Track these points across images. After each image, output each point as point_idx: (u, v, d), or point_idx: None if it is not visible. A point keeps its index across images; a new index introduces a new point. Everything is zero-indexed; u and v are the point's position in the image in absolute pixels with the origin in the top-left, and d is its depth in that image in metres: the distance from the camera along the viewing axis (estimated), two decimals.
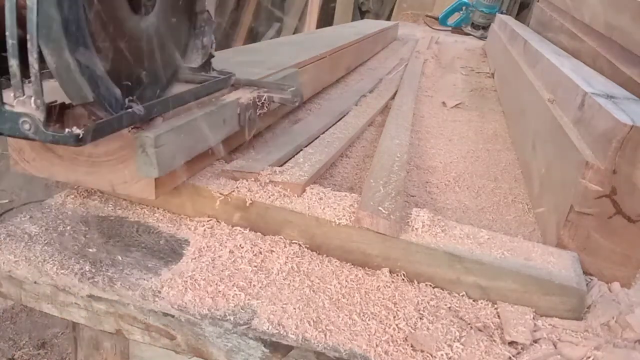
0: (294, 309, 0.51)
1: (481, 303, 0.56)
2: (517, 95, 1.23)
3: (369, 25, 2.17)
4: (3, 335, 2.11)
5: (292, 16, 4.31)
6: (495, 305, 0.55)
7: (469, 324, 0.52)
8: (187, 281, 0.53)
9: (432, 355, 0.48)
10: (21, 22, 0.40)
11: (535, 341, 0.51)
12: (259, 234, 0.62)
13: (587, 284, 0.57)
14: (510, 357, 0.48)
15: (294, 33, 4.12)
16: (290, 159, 0.74)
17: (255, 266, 0.57)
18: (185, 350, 0.52)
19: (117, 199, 0.68)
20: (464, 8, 3.11)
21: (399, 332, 0.50)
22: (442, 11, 3.30)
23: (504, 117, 1.32)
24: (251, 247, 0.60)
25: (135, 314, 0.52)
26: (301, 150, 0.79)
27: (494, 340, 0.50)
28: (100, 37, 0.45)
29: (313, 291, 0.54)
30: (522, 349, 0.50)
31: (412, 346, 0.48)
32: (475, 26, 3.08)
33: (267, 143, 0.82)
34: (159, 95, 0.56)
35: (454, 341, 0.49)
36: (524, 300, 0.55)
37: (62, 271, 0.54)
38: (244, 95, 0.70)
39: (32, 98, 0.43)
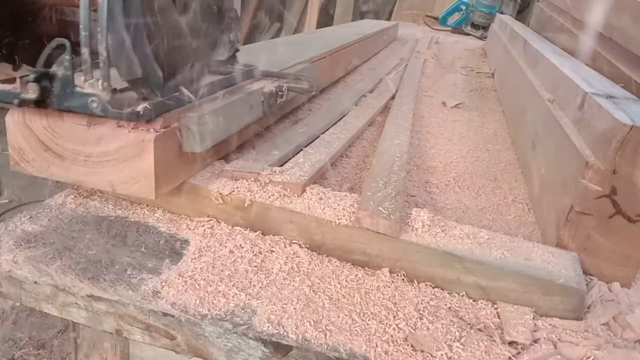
0: (294, 309, 0.51)
1: (481, 303, 0.56)
2: (517, 95, 1.23)
3: (369, 25, 2.17)
4: (3, 335, 2.10)
5: (292, 16, 4.31)
6: (495, 305, 0.55)
7: (469, 324, 0.52)
8: (187, 281, 0.54)
9: (432, 355, 0.48)
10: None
11: (535, 341, 0.51)
12: (259, 234, 0.62)
13: (587, 284, 0.57)
14: (510, 357, 0.48)
15: (293, 33, 4.12)
16: (290, 159, 0.74)
17: (255, 266, 0.57)
18: (185, 350, 0.52)
19: (117, 199, 0.68)
20: (464, 8, 3.11)
21: (399, 332, 0.50)
22: (442, 11, 3.30)
23: (504, 117, 1.32)
24: (251, 247, 0.60)
25: (135, 314, 0.52)
26: (301, 150, 0.79)
27: (494, 340, 0.50)
28: (148, 28, 0.53)
29: (313, 291, 0.54)
30: (522, 349, 0.50)
31: (412, 346, 0.48)
32: (475, 26, 3.08)
33: (267, 143, 0.82)
34: (194, 83, 0.64)
35: (454, 341, 0.49)
36: (524, 300, 0.55)
37: (62, 271, 0.54)
38: (267, 85, 0.77)
39: (100, 81, 0.52)
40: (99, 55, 0.50)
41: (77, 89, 0.53)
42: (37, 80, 0.52)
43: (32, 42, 0.68)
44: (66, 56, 0.52)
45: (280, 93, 0.78)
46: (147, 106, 0.53)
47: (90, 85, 0.52)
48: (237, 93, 0.70)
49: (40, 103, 0.54)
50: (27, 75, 0.53)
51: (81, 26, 0.49)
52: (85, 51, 0.51)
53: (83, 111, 0.53)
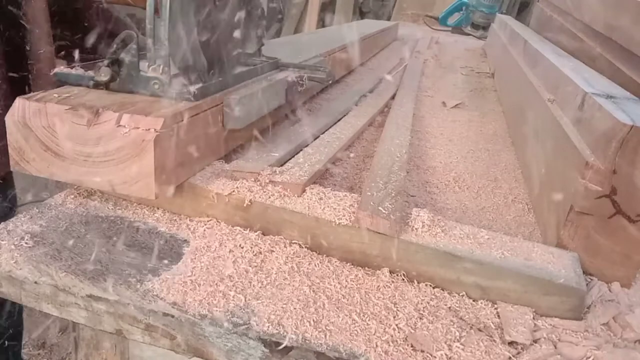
0: (294, 309, 0.51)
1: (481, 303, 0.56)
2: (517, 95, 1.23)
3: (369, 25, 2.17)
4: None
5: (292, 16, 4.31)
6: (495, 305, 0.55)
7: (469, 324, 0.52)
8: (187, 281, 0.54)
9: (432, 355, 0.48)
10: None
11: (535, 341, 0.51)
12: (259, 234, 0.62)
13: (587, 284, 0.57)
14: (510, 357, 0.48)
15: (294, 33, 4.12)
16: (290, 159, 0.74)
17: (255, 266, 0.57)
18: (185, 350, 0.53)
19: (117, 199, 0.68)
20: (464, 8, 3.11)
21: (399, 332, 0.50)
22: (442, 11, 3.30)
23: (504, 117, 1.32)
24: (251, 247, 0.60)
25: (135, 314, 0.52)
26: (301, 150, 0.79)
27: (494, 340, 0.50)
28: (198, 24, 0.64)
29: (313, 291, 0.54)
30: (522, 349, 0.50)
31: (412, 346, 0.48)
32: (475, 26, 3.08)
33: (267, 143, 0.82)
34: (230, 72, 0.75)
35: (454, 341, 0.49)
36: (524, 300, 0.55)
37: (62, 271, 0.54)
38: (290, 75, 0.87)
39: (161, 66, 0.61)
40: (161, 45, 0.60)
41: (142, 73, 0.62)
42: (109, 65, 0.62)
43: (84, 38, 0.85)
44: (133, 45, 0.61)
45: (301, 82, 0.88)
46: (197, 89, 0.63)
47: (153, 70, 0.61)
48: (265, 81, 0.80)
49: (110, 85, 0.63)
50: (101, 61, 0.62)
51: (147, 21, 0.59)
52: (150, 42, 0.60)
53: (146, 92, 0.63)
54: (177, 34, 0.60)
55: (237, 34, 0.76)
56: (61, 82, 0.65)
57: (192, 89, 0.63)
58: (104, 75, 0.61)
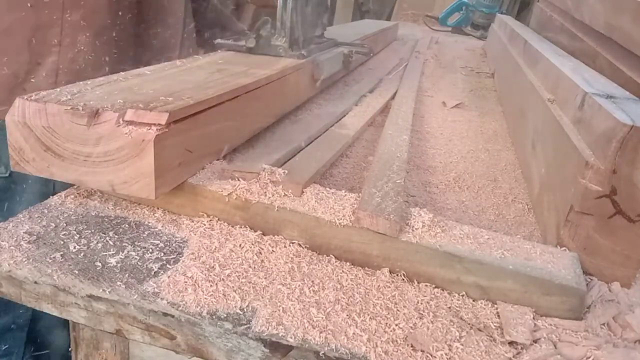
0: (294, 309, 0.51)
1: (481, 303, 0.56)
2: (517, 95, 1.23)
3: (369, 25, 2.17)
4: None
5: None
6: (495, 305, 0.55)
7: (469, 324, 0.52)
8: (187, 281, 0.54)
9: (432, 355, 0.48)
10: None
11: (535, 341, 0.51)
12: (259, 234, 0.62)
13: (587, 284, 0.57)
14: (510, 357, 0.48)
15: None
16: (290, 159, 0.74)
17: (255, 266, 0.57)
18: (185, 350, 0.53)
19: (117, 199, 0.68)
20: (464, 8, 3.10)
21: (399, 332, 0.50)
22: (442, 11, 3.30)
23: (504, 117, 1.32)
24: (251, 247, 0.60)
25: (135, 314, 0.52)
26: (301, 150, 0.79)
27: (494, 340, 0.50)
28: (301, 13, 1.01)
29: (313, 291, 0.54)
30: (522, 349, 0.50)
31: (412, 346, 0.48)
32: (475, 26, 3.08)
33: (267, 143, 0.82)
34: (312, 46, 1.10)
35: (454, 341, 0.49)
36: (524, 300, 0.55)
37: (62, 271, 0.54)
38: (344, 49, 1.24)
39: (284, 38, 0.98)
40: (284, 26, 0.97)
41: (272, 41, 0.99)
42: (254, 37, 0.98)
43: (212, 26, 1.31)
44: (268, 25, 0.99)
45: (351, 54, 1.27)
46: (302, 53, 0.99)
47: (279, 40, 0.98)
48: (330, 53, 1.16)
49: (252, 49, 0.98)
50: (251, 33, 0.98)
51: (277, 13, 0.96)
52: (278, 24, 0.98)
53: (273, 54, 0.98)
54: (291, 20, 0.97)
55: (316, 21, 1.13)
56: (220, 47, 1.00)
57: (300, 52, 0.99)
58: (250, 43, 0.97)
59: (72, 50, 0.98)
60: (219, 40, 0.99)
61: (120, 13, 1.02)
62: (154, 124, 0.56)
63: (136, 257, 0.57)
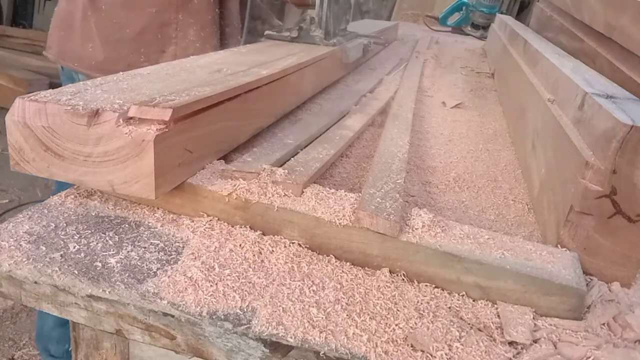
0: (294, 309, 0.51)
1: (481, 303, 0.56)
2: (517, 95, 1.23)
3: (369, 25, 2.17)
4: (3, 335, 2.10)
5: (292, 16, 4.31)
6: (495, 305, 0.55)
7: (469, 324, 0.52)
8: (187, 281, 0.54)
9: (432, 355, 0.48)
10: None
11: (535, 341, 0.51)
12: (259, 234, 0.62)
13: (587, 284, 0.57)
14: (510, 357, 0.48)
15: None
16: (290, 159, 0.74)
17: (255, 266, 0.57)
18: (185, 350, 0.53)
19: (117, 199, 0.68)
20: (464, 8, 3.10)
21: (399, 332, 0.50)
22: (442, 11, 3.30)
23: (504, 117, 1.32)
24: (251, 247, 0.60)
25: (135, 314, 0.52)
26: (301, 150, 0.79)
27: (494, 340, 0.50)
28: (333, 10, 1.27)
29: (313, 291, 0.54)
30: (522, 349, 0.50)
31: (412, 346, 0.49)
32: (475, 26, 3.07)
33: (267, 143, 0.82)
34: (339, 36, 1.35)
35: (454, 341, 0.49)
36: (524, 300, 0.55)
37: (62, 271, 0.54)
38: (364, 40, 1.52)
39: (321, 30, 1.22)
40: (320, 20, 1.22)
41: (311, 33, 1.22)
42: (297, 29, 1.21)
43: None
44: (308, 19, 1.24)
45: (370, 44, 1.55)
46: (334, 42, 1.23)
47: (316, 31, 1.22)
48: (352, 43, 1.43)
49: (295, 39, 1.23)
50: (294, 26, 1.22)
51: (315, 10, 1.22)
52: (316, 19, 1.23)
53: (312, 43, 1.22)
54: (326, 15, 1.21)
55: (342, 16, 1.37)
56: (269, 38, 1.23)
57: (332, 41, 1.24)
58: (294, 33, 1.21)
59: (184, 41, 1.36)
60: (268, 32, 1.23)
61: (215, 11, 1.41)
62: (157, 121, 0.56)
63: (136, 257, 0.57)
